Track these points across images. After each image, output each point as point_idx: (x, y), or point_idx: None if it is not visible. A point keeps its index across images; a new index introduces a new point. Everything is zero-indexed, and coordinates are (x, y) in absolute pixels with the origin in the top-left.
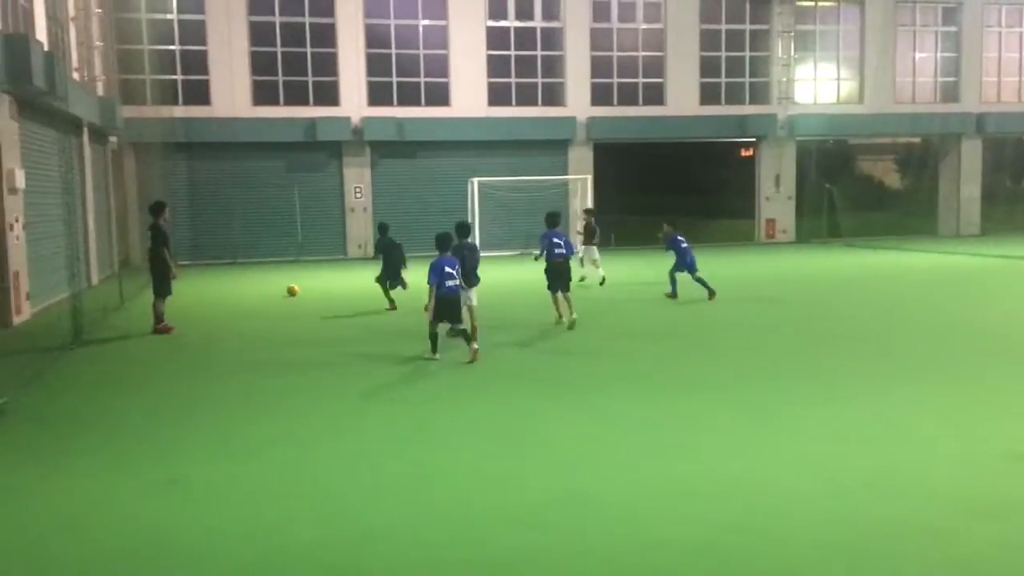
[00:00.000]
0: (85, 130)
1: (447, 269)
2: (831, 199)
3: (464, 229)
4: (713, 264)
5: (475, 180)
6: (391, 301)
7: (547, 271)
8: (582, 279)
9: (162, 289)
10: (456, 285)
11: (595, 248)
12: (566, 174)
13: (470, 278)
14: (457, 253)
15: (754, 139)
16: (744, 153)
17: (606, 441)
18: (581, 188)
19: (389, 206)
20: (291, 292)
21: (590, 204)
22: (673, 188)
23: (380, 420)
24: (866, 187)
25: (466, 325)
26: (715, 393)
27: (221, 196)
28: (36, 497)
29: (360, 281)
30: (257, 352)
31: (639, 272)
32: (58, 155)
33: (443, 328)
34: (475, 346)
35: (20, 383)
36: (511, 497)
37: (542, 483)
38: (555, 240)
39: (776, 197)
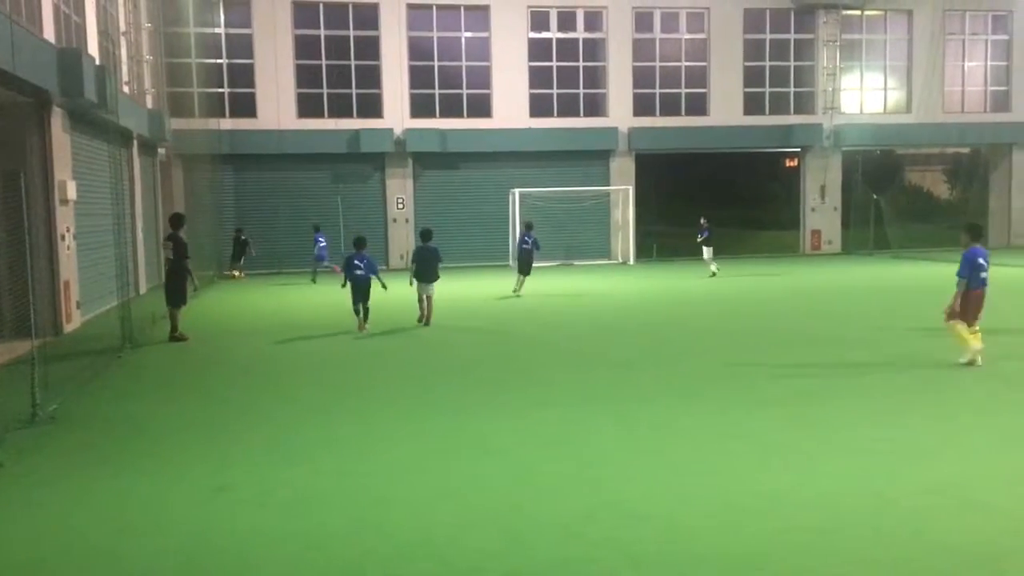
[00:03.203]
0: (135, 142)
1: (355, 262)
2: (878, 210)
3: (426, 235)
4: (755, 274)
5: (516, 191)
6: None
7: (519, 260)
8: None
9: (179, 299)
10: (362, 274)
11: (709, 250)
12: (607, 185)
13: (430, 274)
14: (419, 254)
15: (799, 149)
16: (789, 163)
17: (650, 452)
18: (623, 199)
19: (431, 216)
20: (232, 276)
21: (631, 215)
22: (716, 199)
23: (428, 428)
24: (914, 198)
25: (426, 311)
26: (761, 407)
27: (266, 207)
28: (85, 501)
29: (401, 291)
30: (303, 360)
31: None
32: (108, 167)
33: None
34: (367, 327)
35: (70, 390)
36: (558, 507)
37: (587, 493)
38: (526, 239)
39: (821, 208)
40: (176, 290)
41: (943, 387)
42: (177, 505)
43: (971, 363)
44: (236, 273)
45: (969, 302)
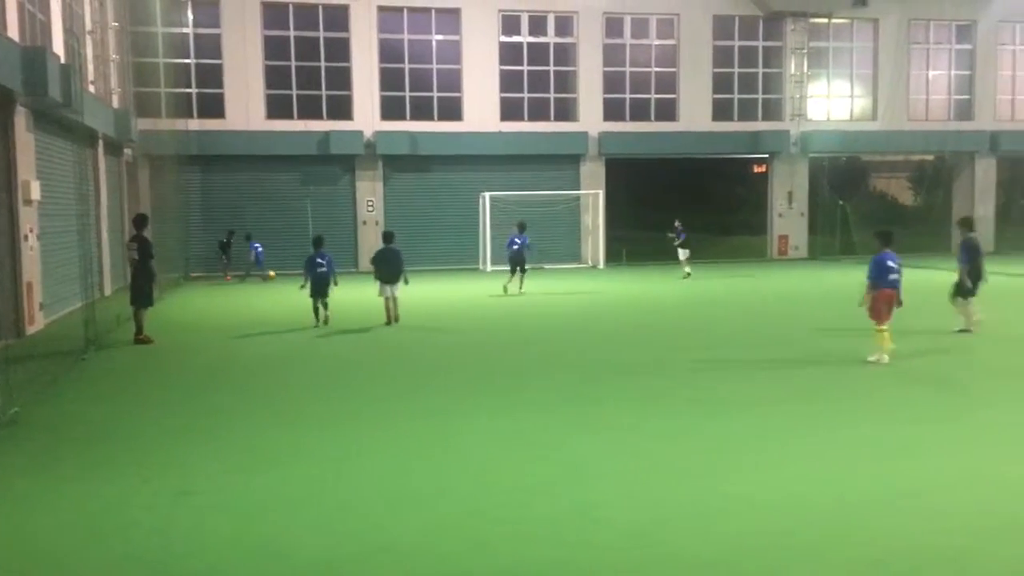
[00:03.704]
0: (100, 142)
1: (317, 260)
2: (844, 216)
3: (388, 237)
4: (723, 279)
5: (487, 194)
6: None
7: (509, 259)
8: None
9: (147, 300)
10: (324, 271)
11: (685, 251)
12: (578, 189)
13: (393, 276)
14: (381, 256)
15: (767, 155)
16: (757, 169)
17: (618, 455)
18: (592, 203)
19: (401, 219)
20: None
21: (601, 219)
22: (685, 204)
23: (394, 433)
24: (880, 204)
25: (392, 311)
26: (725, 410)
27: (234, 208)
28: (46, 505)
29: (368, 293)
30: (270, 363)
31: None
32: (73, 167)
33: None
34: (327, 322)
35: (32, 393)
36: (526, 510)
37: (555, 497)
38: (515, 240)
39: (789, 213)
40: (141, 291)
41: (895, 390)
42: (140, 510)
43: (877, 361)
44: (232, 274)
45: (879, 301)
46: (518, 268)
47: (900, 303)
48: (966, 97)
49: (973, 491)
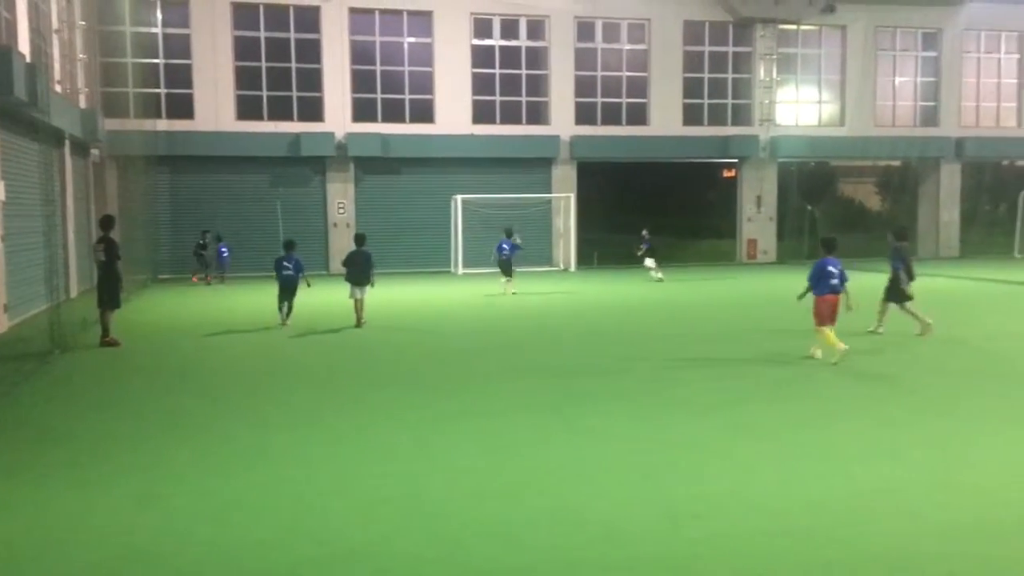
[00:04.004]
0: (67, 142)
1: (284, 263)
2: (812, 220)
3: (360, 239)
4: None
5: (458, 197)
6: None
7: (498, 262)
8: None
9: (114, 302)
10: (289, 274)
11: (651, 260)
12: (549, 192)
13: (363, 278)
14: (352, 258)
15: (736, 160)
16: (726, 174)
17: (589, 458)
18: (564, 206)
19: (372, 222)
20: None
21: (573, 222)
22: (655, 208)
23: (364, 435)
24: (847, 209)
25: (360, 312)
26: (704, 413)
27: (203, 210)
28: (8, 511)
29: (338, 296)
30: (238, 365)
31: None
32: (39, 167)
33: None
34: (288, 322)
35: None
36: (497, 513)
37: (526, 500)
38: (503, 246)
39: (757, 218)
40: (108, 293)
41: (859, 389)
42: (104, 516)
43: (839, 360)
44: (199, 276)
45: (821, 306)
46: (508, 270)
47: (849, 307)
48: (932, 104)
49: (940, 494)
